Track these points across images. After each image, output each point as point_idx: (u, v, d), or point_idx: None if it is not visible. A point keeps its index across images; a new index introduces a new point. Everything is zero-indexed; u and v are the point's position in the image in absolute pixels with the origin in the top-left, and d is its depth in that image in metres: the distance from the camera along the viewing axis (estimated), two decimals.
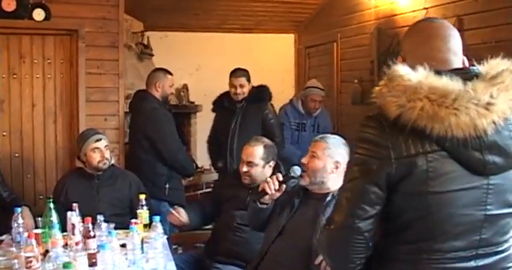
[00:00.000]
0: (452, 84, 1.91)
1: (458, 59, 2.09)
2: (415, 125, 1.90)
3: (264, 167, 4.44)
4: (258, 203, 3.72)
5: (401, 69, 1.97)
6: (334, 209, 2.10)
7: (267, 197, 3.67)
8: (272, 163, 4.48)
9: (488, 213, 1.98)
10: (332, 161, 3.63)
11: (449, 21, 5.46)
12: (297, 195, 3.75)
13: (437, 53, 2.08)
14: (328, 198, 3.61)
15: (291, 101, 6.92)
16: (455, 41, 2.11)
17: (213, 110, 6.40)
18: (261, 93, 6.19)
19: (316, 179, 3.63)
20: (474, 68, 2.02)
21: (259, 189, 3.71)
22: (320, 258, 3.28)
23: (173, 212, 4.41)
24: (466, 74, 1.97)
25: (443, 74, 1.94)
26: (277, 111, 6.73)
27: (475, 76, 1.96)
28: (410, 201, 1.96)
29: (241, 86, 6.05)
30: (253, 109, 6.12)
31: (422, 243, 1.97)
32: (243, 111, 6.08)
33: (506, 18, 4.90)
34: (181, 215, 4.37)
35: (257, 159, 4.41)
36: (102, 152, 4.78)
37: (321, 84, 8.54)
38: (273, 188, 3.61)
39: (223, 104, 6.19)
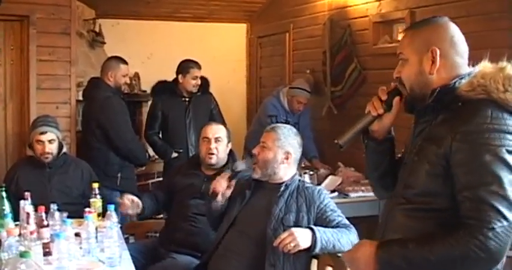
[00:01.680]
0: None
1: None
2: None
3: (226, 146, 4.52)
4: (212, 205, 3.79)
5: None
6: (493, 205, 1.95)
7: (219, 197, 3.72)
8: (230, 145, 4.56)
9: None
10: (283, 152, 3.68)
11: (402, 14, 5.60)
12: (248, 187, 3.79)
13: (465, 55, 2.24)
14: (282, 188, 3.66)
15: (276, 96, 6.86)
16: None
17: (152, 97, 6.38)
18: (207, 84, 6.33)
19: (267, 170, 3.67)
20: None
21: (210, 191, 3.78)
22: (279, 239, 3.32)
23: (125, 200, 4.25)
24: None
25: None
26: (263, 104, 6.93)
27: None
28: None
29: (200, 77, 6.11)
30: (202, 100, 6.26)
31: None
32: (193, 101, 6.12)
33: (457, 11, 4.97)
34: (134, 203, 4.30)
35: (223, 135, 4.51)
36: (44, 145, 4.70)
37: (273, 74, 8.63)
38: (223, 186, 3.71)
39: (171, 93, 6.16)
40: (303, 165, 6.08)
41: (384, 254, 2.10)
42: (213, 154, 4.45)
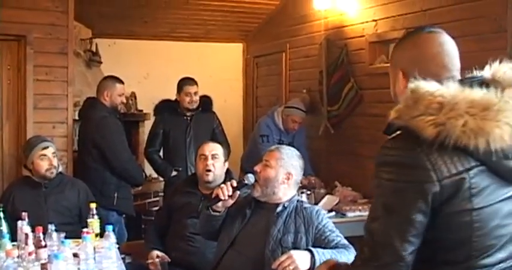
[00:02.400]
0: (489, 95, 1.85)
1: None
2: (457, 142, 1.80)
3: (223, 164, 4.54)
4: (210, 210, 3.70)
5: (428, 86, 1.88)
6: (369, 243, 1.92)
7: (220, 203, 3.65)
8: (227, 164, 4.56)
9: None
10: (284, 172, 3.68)
11: (398, 34, 5.63)
12: (249, 205, 3.76)
13: (442, 69, 2.05)
14: (280, 208, 3.65)
15: (270, 116, 6.87)
16: (456, 53, 2.11)
17: (155, 115, 6.41)
18: (209, 103, 6.37)
19: (267, 189, 3.66)
20: (478, 74, 2.03)
21: (213, 195, 3.70)
22: (278, 262, 3.29)
23: (155, 261, 4.32)
24: (480, 82, 1.94)
25: (467, 84, 1.91)
26: (257, 123, 6.98)
27: (486, 83, 1.94)
28: (454, 221, 1.86)
29: (196, 93, 6.18)
30: (204, 118, 6.28)
31: (471, 261, 1.89)
32: (195, 120, 6.13)
33: (451, 31, 4.98)
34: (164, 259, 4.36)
35: (219, 153, 4.54)
36: (50, 159, 4.72)
37: (270, 94, 8.64)
38: (226, 193, 3.60)
39: (173, 111, 6.19)
40: (300, 185, 6.07)
41: None
42: (210, 171, 4.46)
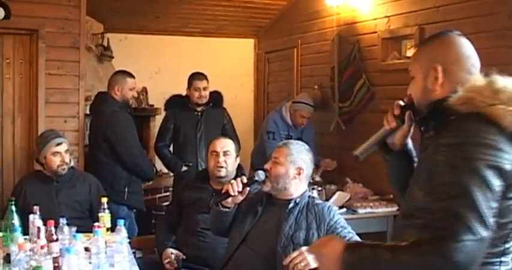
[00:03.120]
0: None
1: None
2: None
3: (235, 160, 4.54)
4: (220, 206, 3.70)
5: (506, 81, 2.08)
6: (462, 218, 1.89)
7: (229, 199, 3.64)
8: (238, 160, 4.56)
9: None
10: (295, 167, 3.67)
11: (411, 30, 5.61)
12: (260, 202, 3.75)
13: (474, 69, 2.21)
14: (291, 204, 3.64)
15: (278, 111, 6.84)
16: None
17: (166, 110, 6.41)
18: (219, 98, 6.37)
19: (278, 185, 3.65)
20: None
21: (223, 190, 3.69)
22: (289, 258, 3.28)
23: (172, 260, 4.32)
24: None
25: None
26: (265, 119, 6.96)
27: None
28: (508, 206, 2.01)
29: (205, 88, 6.15)
30: (214, 114, 6.28)
31: (506, 244, 2.06)
32: (205, 115, 6.13)
33: (465, 28, 4.98)
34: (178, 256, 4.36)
35: (231, 149, 4.53)
36: (63, 156, 4.74)
37: (281, 89, 8.62)
38: (236, 189, 3.59)
39: (184, 106, 6.19)
40: (310, 181, 6.07)
41: (351, 256, 2.04)
42: (222, 167, 4.45)
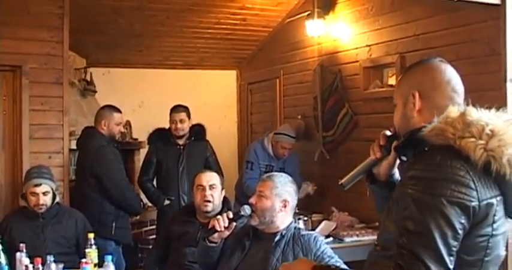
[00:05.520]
0: None
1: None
2: (500, 170, 1.93)
3: (221, 193, 4.54)
4: (207, 241, 3.69)
5: (480, 113, 2.03)
6: (419, 254, 1.87)
7: (216, 235, 3.64)
8: (223, 192, 4.56)
9: (502, 253, 2.08)
10: (280, 200, 3.68)
11: (392, 58, 5.68)
12: (247, 236, 3.74)
13: (455, 95, 2.17)
14: (277, 237, 3.65)
15: (260, 141, 6.87)
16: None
17: (149, 144, 6.42)
18: (202, 131, 6.36)
19: (265, 219, 3.65)
20: None
21: (209, 226, 3.68)
22: None
23: None
24: None
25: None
26: (248, 149, 6.95)
27: None
28: (475, 243, 1.95)
29: (182, 121, 6.13)
30: (197, 147, 6.28)
31: None
32: (187, 149, 6.13)
33: (447, 55, 5.04)
34: None
35: (217, 182, 4.54)
36: (38, 198, 4.70)
37: (264, 120, 8.65)
38: (222, 225, 3.58)
39: (166, 140, 6.19)
40: (296, 211, 6.08)
41: None
42: (209, 201, 4.45)
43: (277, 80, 8.25)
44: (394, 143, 2.28)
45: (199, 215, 4.55)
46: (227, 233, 3.64)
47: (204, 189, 4.48)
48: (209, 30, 7.97)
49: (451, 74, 2.19)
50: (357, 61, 6.40)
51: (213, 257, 3.75)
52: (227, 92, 9.57)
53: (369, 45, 6.22)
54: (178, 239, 4.49)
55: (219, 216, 3.64)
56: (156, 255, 4.69)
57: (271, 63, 8.41)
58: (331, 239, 5.55)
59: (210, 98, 9.17)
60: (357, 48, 6.45)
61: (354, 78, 6.48)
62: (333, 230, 5.74)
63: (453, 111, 2.04)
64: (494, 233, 1.97)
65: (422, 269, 1.85)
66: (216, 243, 3.68)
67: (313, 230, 5.39)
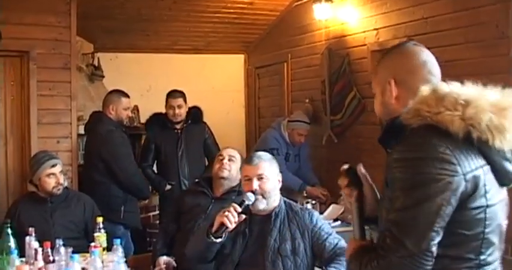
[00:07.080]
0: (505, 96, 2.00)
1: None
2: (482, 137, 1.93)
3: (238, 171, 4.48)
4: (212, 238, 3.56)
5: (451, 86, 2.02)
6: (393, 234, 1.91)
7: (228, 229, 3.54)
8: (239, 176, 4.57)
9: (503, 223, 2.09)
10: (277, 178, 3.76)
11: (400, 42, 5.62)
12: (245, 223, 3.68)
13: (432, 77, 2.16)
14: (273, 217, 3.67)
15: (277, 129, 6.75)
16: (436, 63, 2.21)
17: (146, 130, 6.41)
18: (199, 114, 6.32)
19: (271, 198, 3.69)
20: None
21: (217, 223, 3.55)
22: None
23: (162, 267, 4.27)
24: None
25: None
26: (264, 137, 6.87)
27: None
28: (472, 217, 1.95)
29: (179, 106, 6.10)
30: (194, 130, 6.24)
31: (480, 257, 1.98)
32: (185, 132, 6.13)
33: (455, 38, 5.03)
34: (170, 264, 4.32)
35: (237, 157, 4.55)
36: (57, 177, 4.72)
37: (272, 104, 8.63)
38: (233, 220, 3.50)
39: (163, 125, 6.18)
40: (304, 195, 6.08)
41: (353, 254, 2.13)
42: (225, 169, 4.45)
43: (285, 64, 8.23)
44: (359, 171, 2.27)
45: (215, 185, 4.54)
46: (235, 225, 3.57)
47: (223, 158, 4.49)
48: (216, 15, 7.94)
49: (427, 56, 2.19)
50: (365, 44, 6.38)
51: (214, 251, 3.69)
52: (235, 76, 9.54)
53: (377, 29, 6.20)
54: (189, 212, 4.46)
55: (226, 212, 3.52)
56: (166, 234, 4.66)
57: (278, 47, 8.38)
58: (339, 222, 5.55)
59: (218, 82, 9.16)
60: (364, 31, 6.43)
61: (362, 62, 6.46)
62: (341, 213, 5.74)
63: (425, 90, 2.03)
64: (489, 203, 1.97)
65: (397, 246, 1.88)
66: (221, 237, 3.58)
67: (321, 213, 5.38)
